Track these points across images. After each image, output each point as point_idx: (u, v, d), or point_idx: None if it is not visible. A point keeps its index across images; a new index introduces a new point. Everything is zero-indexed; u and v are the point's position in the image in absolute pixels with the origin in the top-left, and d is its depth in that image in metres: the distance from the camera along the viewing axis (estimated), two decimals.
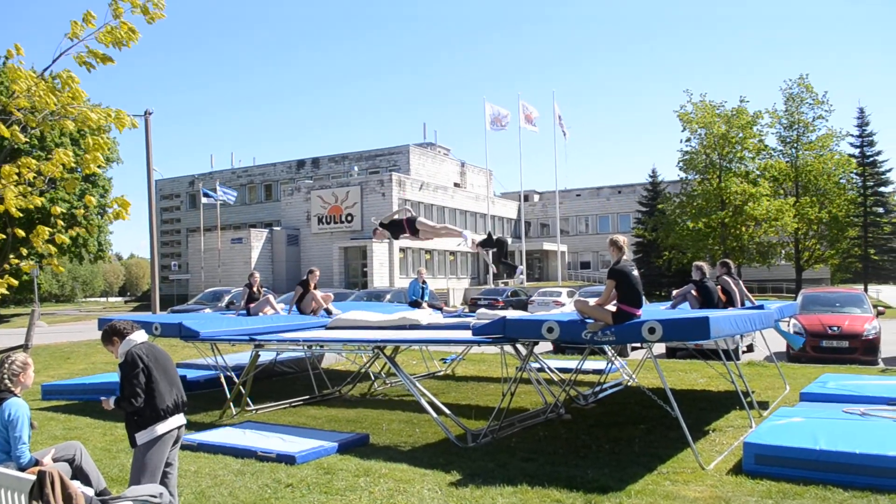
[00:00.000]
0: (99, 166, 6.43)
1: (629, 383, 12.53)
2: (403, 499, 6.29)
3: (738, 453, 7.31)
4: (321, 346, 10.90)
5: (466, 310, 18.62)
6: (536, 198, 69.89)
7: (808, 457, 6.50)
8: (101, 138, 6.38)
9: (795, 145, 44.00)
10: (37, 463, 5.04)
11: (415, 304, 14.56)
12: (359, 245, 46.75)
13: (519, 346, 9.46)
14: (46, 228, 6.56)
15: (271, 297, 13.21)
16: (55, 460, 5.26)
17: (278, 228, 51.78)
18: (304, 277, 13.36)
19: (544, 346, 17.06)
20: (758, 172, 42.94)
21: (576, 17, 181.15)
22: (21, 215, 6.57)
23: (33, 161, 6.37)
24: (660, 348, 17.18)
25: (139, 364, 5.01)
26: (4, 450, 5.01)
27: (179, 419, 5.28)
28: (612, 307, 7.63)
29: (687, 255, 41.78)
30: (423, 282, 15.10)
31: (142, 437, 5.03)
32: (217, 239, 49.74)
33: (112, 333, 5.20)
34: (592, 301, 8.08)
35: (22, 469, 4.84)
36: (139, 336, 5.21)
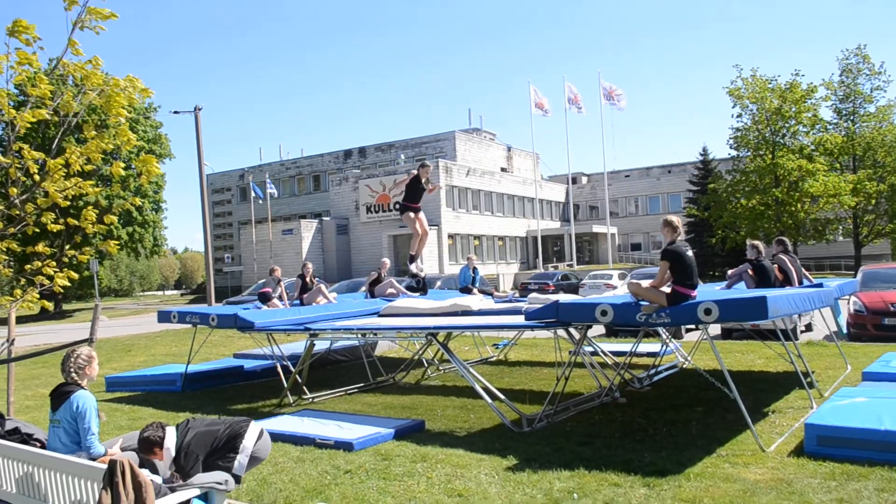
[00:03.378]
0: (144, 149, 6.47)
1: (684, 365, 12.39)
2: (461, 483, 6.32)
3: (800, 435, 7.19)
4: (374, 334, 11.00)
5: (517, 295, 18.58)
6: (584, 180, 69.27)
7: (872, 437, 6.34)
8: (118, 107, 6.27)
9: (852, 117, 42.79)
10: (105, 453, 5.20)
11: (465, 291, 14.58)
12: (408, 233, 46.88)
13: (572, 329, 9.41)
14: (93, 210, 6.67)
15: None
16: (123, 450, 5.42)
17: (328, 219, 52.28)
18: (300, 272, 13.62)
19: (597, 330, 16.94)
20: (812, 147, 41.89)
21: None
22: (67, 203, 6.68)
23: (77, 148, 6.46)
24: (715, 329, 16.94)
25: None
26: (75, 441, 5.17)
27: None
28: (666, 289, 7.54)
29: (741, 233, 41.01)
30: (474, 268, 15.12)
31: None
32: (268, 231, 50.47)
33: (154, 445, 5.17)
34: (646, 283, 7.99)
35: (92, 459, 4.99)
36: (169, 440, 5.19)
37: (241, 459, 5.22)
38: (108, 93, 6.23)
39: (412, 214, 12.33)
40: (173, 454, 5.10)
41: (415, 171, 12.32)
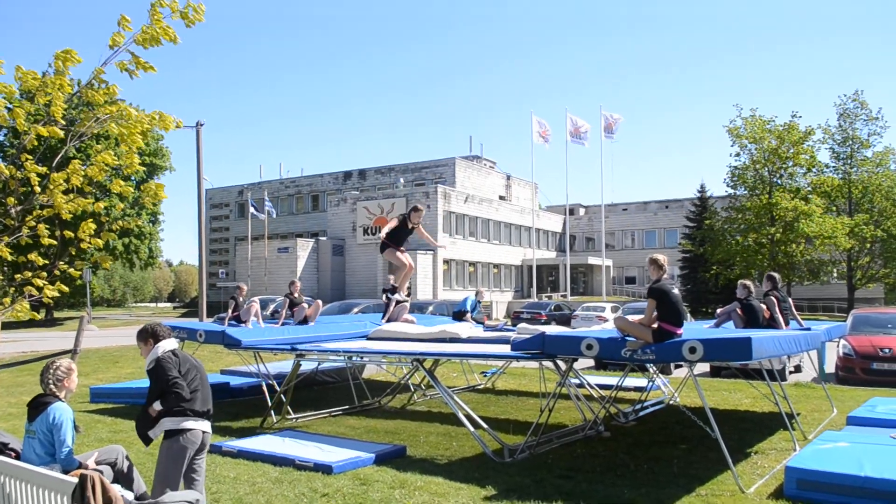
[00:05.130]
0: (147, 168, 6.58)
1: (671, 402, 12.36)
2: None
3: (780, 477, 7.16)
4: (361, 357, 10.97)
5: (508, 323, 18.55)
6: (582, 211, 69.48)
7: (851, 483, 6.33)
8: (134, 134, 6.41)
9: (849, 161, 43.10)
10: (80, 466, 5.17)
11: (459, 316, 14.53)
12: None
13: (559, 361, 9.41)
14: (92, 224, 6.72)
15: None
16: (98, 463, 5.39)
17: (324, 238, 52.30)
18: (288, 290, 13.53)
19: (586, 362, 16.91)
20: (809, 188, 42.13)
21: (623, 31, 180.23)
22: (70, 216, 6.74)
23: (79, 164, 6.53)
24: (704, 367, 16.90)
25: (169, 364, 5.15)
26: (49, 452, 5.16)
27: (206, 425, 5.35)
28: (652, 325, 7.55)
29: (735, 270, 41.08)
30: (479, 300, 15.10)
31: (167, 423, 5.12)
32: (264, 248, 50.46)
33: (149, 334, 5.35)
34: (634, 318, 8.00)
35: (65, 472, 4.97)
36: (168, 344, 5.34)
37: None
38: (127, 125, 6.37)
39: (395, 252, 12.02)
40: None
41: (398, 219, 11.96)
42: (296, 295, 13.26)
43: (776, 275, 11.22)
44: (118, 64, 6.04)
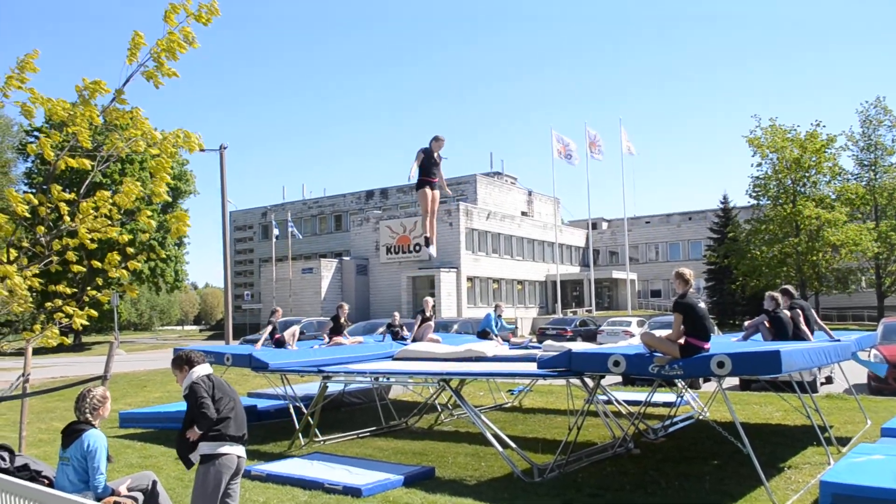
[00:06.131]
0: (171, 192, 6.59)
1: (701, 416, 12.23)
2: None
3: (815, 492, 7.06)
4: (388, 378, 10.98)
5: (534, 340, 18.47)
6: (605, 225, 69.19)
7: (888, 497, 6.20)
8: (164, 159, 6.48)
9: (873, 168, 42.64)
10: (113, 492, 5.22)
11: (483, 335, 14.51)
12: (427, 275, 47.00)
13: (586, 378, 9.35)
14: (117, 255, 6.79)
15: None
16: (130, 490, 5.44)
17: (348, 258, 52.50)
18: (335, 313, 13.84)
19: (613, 377, 16.78)
20: (833, 197, 41.72)
21: (644, 44, 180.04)
22: (95, 246, 6.81)
23: (107, 193, 6.60)
24: (733, 380, 16.72)
25: (202, 390, 5.20)
26: (83, 479, 5.22)
27: (241, 450, 5.39)
28: (679, 340, 7.50)
29: (761, 280, 40.67)
30: (500, 315, 15.06)
31: (203, 448, 5.17)
32: (288, 269, 50.75)
33: (184, 361, 5.42)
34: (661, 333, 7.95)
35: (98, 499, 5.02)
36: (203, 370, 5.39)
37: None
38: (152, 164, 6.41)
39: (428, 190, 11.65)
40: None
41: (421, 154, 11.60)
42: (343, 318, 13.53)
43: (790, 287, 11.09)
44: (145, 73, 6.05)
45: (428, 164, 11.61)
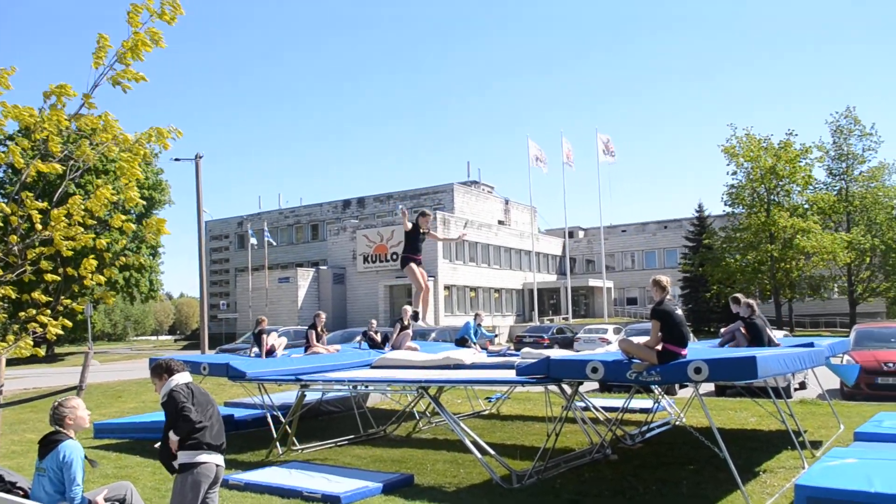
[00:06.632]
0: (146, 202, 6.51)
1: (677, 422, 12.33)
2: None
3: (790, 496, 7.15)
4: (366, 386, 10.95)
5: (511, 348, 18.52)
6: (581, 234, 69.60)
7: (862, 500, 6.29)
8: (130, 156, 6.35)
9: (844, 177, 43.32)
10: (89, 503, 5.17)
11: (462, 343, 14.53)
12: (404, 284, 46.93)
13: (564, 385, 9.40)
14: (94, 260, 6.71)
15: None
16: (107, 500, 5.40)
17: (324, 267, 52.34)
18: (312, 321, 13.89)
19: (590, 384, 16.87)
20: (806, 206, 42.31)
21: (619, 53, 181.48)
22: (71, 253, 6.74)
23: (80, 198, 6.53)
24: (709, 386, 16.87)
25: (182, 396, 5.18)
26: (59, 490, 5.16)
27: (219, 459, 5.36)
28: (657, 346, 7.57)
29: (735, 287, 41.11)
30: (479, 323, 15.09)
31: (182, 457, 5.15)
32: (265, 278, 50.50)
33: (163, 370, 5.39)
34: (638, 339, 8.02)
35: None
36: (182, 378, 5.37)
37: None
38: (129, 153, 6.32)
39: (414, 266, 11.52)
40: None
41: (410, 223, 11.63)
42: (320, 327, 13.50)
43: (740, 296, 11.16)
44: (110, 78, 5.97)
45: (415, 240, 11.54)
